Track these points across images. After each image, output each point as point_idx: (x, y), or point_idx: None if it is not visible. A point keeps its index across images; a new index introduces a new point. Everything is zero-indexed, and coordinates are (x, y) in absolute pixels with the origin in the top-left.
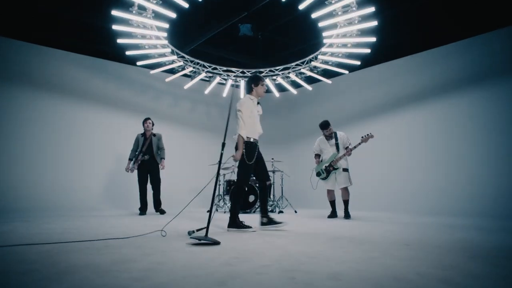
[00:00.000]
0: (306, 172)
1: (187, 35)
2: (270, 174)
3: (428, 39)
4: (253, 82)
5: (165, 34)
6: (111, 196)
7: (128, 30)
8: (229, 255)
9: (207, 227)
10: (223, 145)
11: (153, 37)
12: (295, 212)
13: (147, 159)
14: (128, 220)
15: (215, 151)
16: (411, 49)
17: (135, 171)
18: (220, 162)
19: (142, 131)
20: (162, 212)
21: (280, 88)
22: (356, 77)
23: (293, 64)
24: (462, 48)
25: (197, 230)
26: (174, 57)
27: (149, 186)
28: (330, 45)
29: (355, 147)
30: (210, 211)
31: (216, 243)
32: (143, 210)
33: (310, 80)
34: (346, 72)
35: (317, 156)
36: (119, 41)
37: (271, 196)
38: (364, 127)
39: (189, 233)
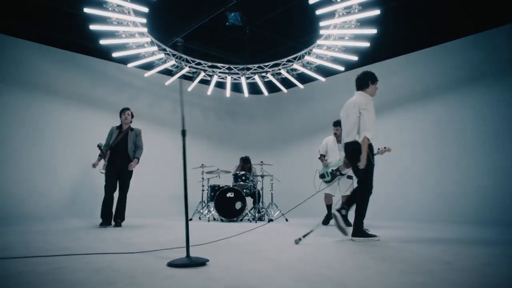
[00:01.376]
0: (296, 177)
1: (169, 26)
2: (259, 179)
3: (433, 33)
4: (371, 78)
5: (144, 20)
6: (77, 205)
7: (101, 13)
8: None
9: (187, 242)
10: (183, 133)
11: (131, 23)
12: (286, 220)
13: (117, 155)
14: (94, 233)
15: (198, 154)
16: (414, 45)
17: (99, 171)
18: (184, 156)
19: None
20: (118, 224)
21: (270, 88)
22: (352, 76)
23: (284, 60)
24: (477, 42)
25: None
26: (154, 48)
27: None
28: (327, 38)
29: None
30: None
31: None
32: (106, 221)
33: (302, 80)
34: (342, 68)
35: (323, 157)
36: (92, 27)
37: (260, 203)
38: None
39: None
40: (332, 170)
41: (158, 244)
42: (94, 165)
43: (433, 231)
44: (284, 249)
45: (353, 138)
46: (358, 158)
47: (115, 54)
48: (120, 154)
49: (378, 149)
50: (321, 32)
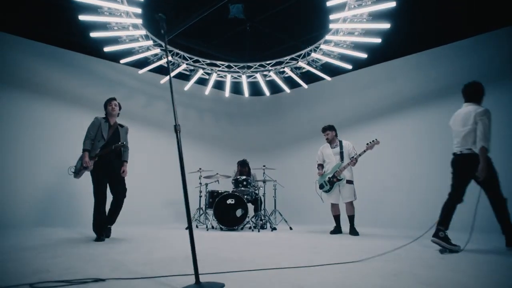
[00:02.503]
0: (299, 182)
1: (166, 20)
2: (260, 184)
3: (450, 30)
4: (483, 91)
5: (139, 10)
6: (57, 212)
7: (92, 1)
8: None
9: (195, 267)
10: (176, 128)
11: (124, 14)
12: (290, 228)
13: (113, 150)
14: (85, 247)
15: (195, 158)
16: (427, 42)
17: (84, 173)
18: (180, 155)
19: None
20: (108, 233)
21: (271, 88)
22: (359, 76)
23: (288, 58)
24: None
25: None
26: (149, 43)
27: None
28: (335, 33)
29: (359, 155)
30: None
31: None
32: (102, 234)
33: (306, 80)
34: (350, 67)
35: (320, 166)
36: (82, 17)
37: (262, 210)
38: (368, 133)
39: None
40: (329, 178)
41: (155, 263)
42: (89, 165)
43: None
44: (300, 261)
45: (468, 148)
46: (476, 169)
47: (106, 49)
48: (112, 153)
49: (367, 143)
50: (331, 26)
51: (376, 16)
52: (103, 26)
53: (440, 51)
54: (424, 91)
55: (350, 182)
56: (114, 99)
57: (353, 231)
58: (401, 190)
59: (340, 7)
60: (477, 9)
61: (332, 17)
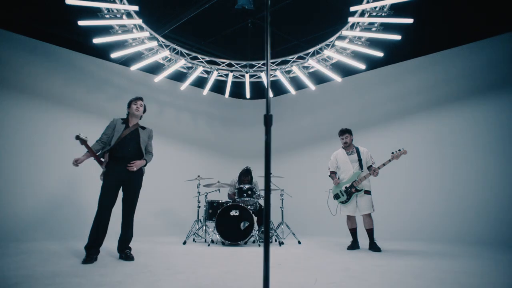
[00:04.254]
0: (307, 191)
1: (162, 13)
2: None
3: (476, 28)
4: None
5: None
6: (54, 224)
7: None
8: None
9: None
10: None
11: (117, 0)
12: (299, 243)
13: (123, 160)
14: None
15: (192, 164)
16: (456, 39)
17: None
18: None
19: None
20: (130, 257)
21: (276, 90)
22: (372, 76)
23: (295, 56)
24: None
25: None
26: (145, 34)
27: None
28: (351, 28)
29: (384, 164)
30: None
31: None
32: (92, 254)
33: (310, 81)
34: (363, 66)
35: (334, 173)
36: (69, 1)
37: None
38: (382, 138)
39: None
40: (346, 187)
41: None
42: (76, 162)
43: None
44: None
45: None
46: None
47: (96, 40)
48: (126, 159)
49: (392, 153)
50: (350, 19)
51: (399, 9)
52: (92, 13)
53: (458, 51)
54: (441, 94)
55: (368, 192)
56: (140, 98)
57: (375, 247)
58: (419, 199)
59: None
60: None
61: (352, 8)
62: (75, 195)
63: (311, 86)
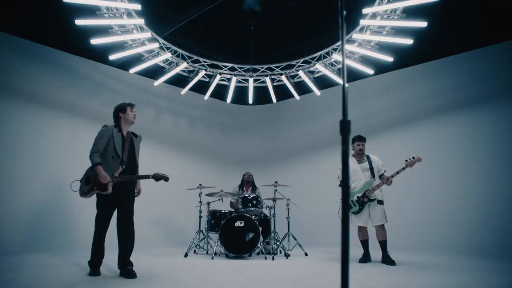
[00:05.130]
0: (312, 199)
1: (164, 13)
2: (270, 202)
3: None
4: None
5: None
6: (44, 235)
7: None
8: None
9: None
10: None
11: None
12: (306, 254)
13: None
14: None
15: (191, 172)
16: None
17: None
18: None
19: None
20: (132, 274)
21: (279, 95)
22: (380, 80)
23: (301, 60)
24: None
25: None
26: (146, 35)
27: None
28: (361, 31)
29: (397, 172)
30: None
31: None
32: (97, 265)
33: (317, 85)
34: (372, 72)
35: None
36: None
37: (272, 234)
38: (389, 144)
39: None
40: (357, 197)
41: None
42: (108, 179)
43: None
44: None
45: None
46: None
47: (94, 41)
48: (128, 171)
49: (406, 160)
50: (361, 22)
51: (410, 13)
52: (90, 13)
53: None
54: (450, 99)
55: (381, 202)
56: (134, 104)
57: (388, 260)
58: (431, 208)
59: (371, 1)
60: None
61: (365, 11)
62: (64, 203)
63: (316, 91)
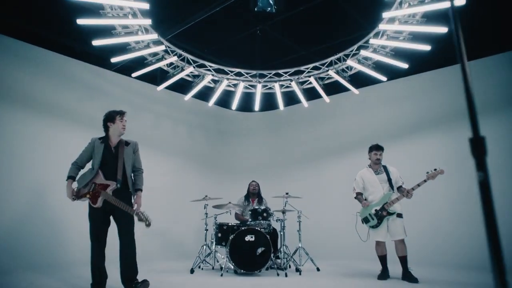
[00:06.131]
0: (323, 210)
1: (168, 15)
2: (279, 214)
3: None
4: None
5: None
6: (28, 250)
7: None
8: None
9: None
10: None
11: None
12: (318, 270)
13: (117, 189)
14: None
15: (195, 182)
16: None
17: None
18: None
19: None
20: (139, 285)
21: (287, 100)
22: (391, 86)
23: (310, 66)
24: None
25: None
26: (152, 37)
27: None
28: (376, 35)
29: (418, 185)
30: None
31: None
32: (102, 284)
33: (320, 93)
34: (385, 79)
35: (360, 195)
36: None
37: (283, 247)
38: (401, 153)
39: None
40: (376, 210)
41: None
42: (72, 198)
43: None
44: None
45: None
46: None
47: (95, 42)
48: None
49: (427, 172)
50: (380, 26)
51: (433, 18)
52: (91, 13)
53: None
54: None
55: (400, 215)
56: (124, 113)
57: (410, 277)
58: (455, 221)
59: (390, 4)
60: None
61: (385, 15)
62: (48, 212)
63: (326, 98)
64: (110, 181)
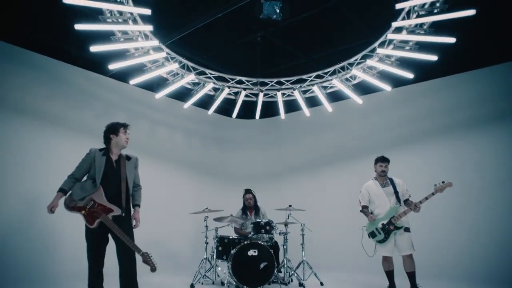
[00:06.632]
0: (323, 224)
1: (168, 21)
2: (282, 227)
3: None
4: None
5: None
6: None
7: None
8: None
9: None
10: None
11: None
12: (321, 284)
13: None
14: None
15: (193, 191)
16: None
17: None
18: None
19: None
20: None
21: (287, 106)
22: (394, 95)
23: (313, 74)
24: None
25: None
26: (152, 43)
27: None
28: (381, 45)
29: (426, 198)
30: None
31: None
32: None
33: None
34: (389, 88)
35: (366, 208)
36: (67, 0)
37: (284, 260)
38: (402, 163)
39: None
40: (382, 224)
41: None
42: (52, 209)
43: None
44: None
45: None
46: None
47: (93, 48)
48: (114, 200)
49: (435, 185)
50: (389, 36)
51: (441, 27)
52: (92, 16)
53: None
54: (468, 115)
55: (407, 230)
56: (128, 125)
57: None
58: (463, 234)
59: (397, 13)
60: None
61: (396, 24)
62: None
63: (329, 107)
64: (114, 207)
